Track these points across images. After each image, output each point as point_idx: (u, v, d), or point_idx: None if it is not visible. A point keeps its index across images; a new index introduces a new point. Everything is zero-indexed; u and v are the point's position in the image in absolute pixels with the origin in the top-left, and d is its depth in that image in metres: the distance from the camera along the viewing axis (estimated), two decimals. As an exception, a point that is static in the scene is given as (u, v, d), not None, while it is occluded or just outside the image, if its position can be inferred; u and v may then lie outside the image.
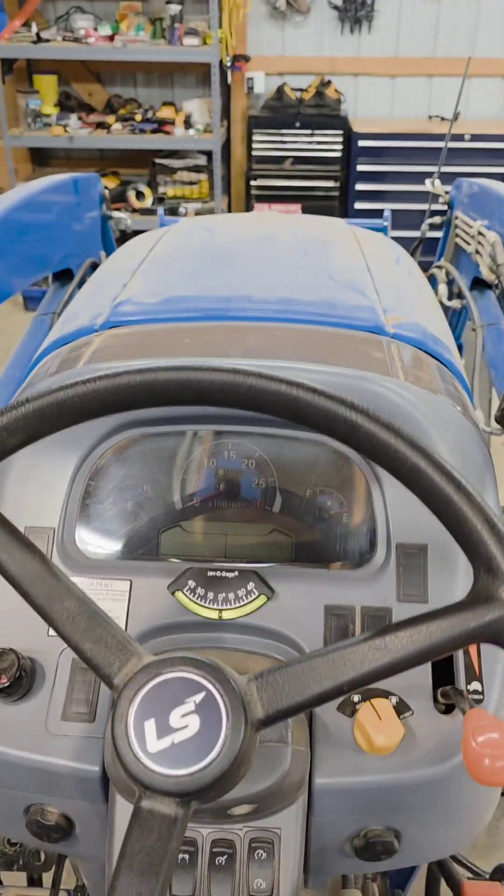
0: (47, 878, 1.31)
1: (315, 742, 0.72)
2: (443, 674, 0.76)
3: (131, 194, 4.66)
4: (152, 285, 1.18)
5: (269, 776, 0.64)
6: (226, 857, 0.67)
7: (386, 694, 0.73)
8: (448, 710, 0.74)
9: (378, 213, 2.01)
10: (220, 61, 4.32)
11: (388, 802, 0.73)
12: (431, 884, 1.35)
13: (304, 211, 2.16)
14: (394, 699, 0.72)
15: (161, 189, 4.81)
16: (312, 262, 1.26)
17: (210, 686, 0.50)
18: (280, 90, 4.63)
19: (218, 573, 0.79)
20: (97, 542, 0.84)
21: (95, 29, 4.38)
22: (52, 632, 0.77)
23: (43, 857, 1.17)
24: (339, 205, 4.67)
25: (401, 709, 0.72)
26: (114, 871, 0.47)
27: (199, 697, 0.50)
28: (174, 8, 4.25)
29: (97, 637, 0.53)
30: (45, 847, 0.83)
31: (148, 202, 4.70)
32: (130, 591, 0.79)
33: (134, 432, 0.86)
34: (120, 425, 0.85)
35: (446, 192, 2.19)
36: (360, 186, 4.58)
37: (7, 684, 0.72)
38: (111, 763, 0.67)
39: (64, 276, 2.03)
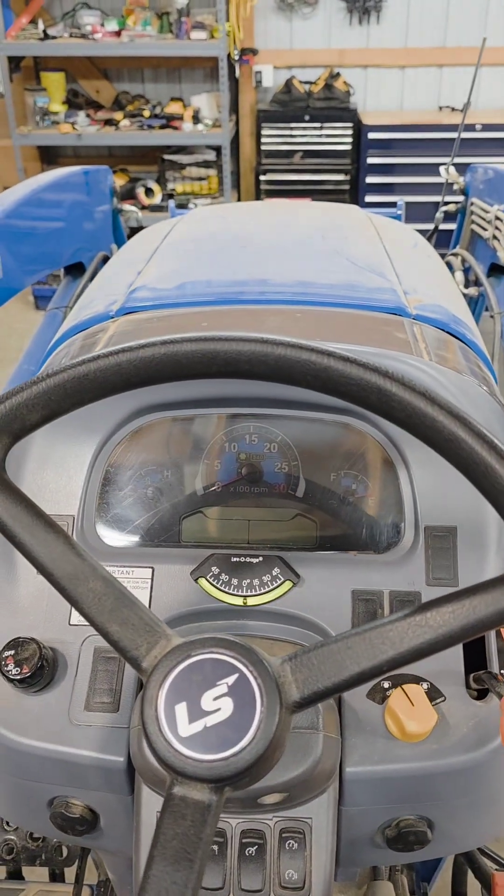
0: (69, 873, 1.29)
1: (345, 730, 0.70)
2: (475, 659, 0.74)
3: (140, 191, 4.64)
4: (167, 271, 1.16)
5: (301, 763, 0.62)
6: (256, 847, 0.66)
7: (417, 680, 0.71)
8: (481, 695, 0.72)
9: (389, 206, 1.99)
10: (228, 55, 4.30)
11: (421, 791, 0.71)
12: (458, 876, 1.33)
13: (314, 205, 2.14)
14: (425, 685, 0.70)
15: (170, 185, 4.79)
16: (330, 246, 1.24)
17: (243, 667, 0.48)
18: (288, 83, 4.60)
19: (242, 559, 0.77)
20: (118, 530, 0.82)
21: (102, 25, 4.36)
22: (73, 621, 0.76)
23: (66, 851, 1.16)
24: (350, 198, 4.64)
25: (433, 695, 0.70)
26: (147, 859, 0.45)
27: (231, 679, 0.48)
28: (181, 2, 4.23)
29: (124, 619, 0.51)
30: (70, 840, 0.81)
31: (157, 199, 4.68)
32: (153, 579, 0.77)
33: (153, 417, 0.84)
34: (138, 410, 0.83)
35: (461, 180, 2.17)
36: (370, 179, 4.55)
37: (29, 674, 0.70)
38: (137, 752, 0.65)
39: (76, 270, 2.02)
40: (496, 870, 1.03)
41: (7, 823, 1.19)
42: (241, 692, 0.48)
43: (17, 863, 1.14)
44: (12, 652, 0.71)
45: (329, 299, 1.01)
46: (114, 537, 0.82)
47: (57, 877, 1.30)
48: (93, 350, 0.92)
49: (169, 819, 0.45)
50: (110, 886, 1.18)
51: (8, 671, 0.70)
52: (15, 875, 1.29)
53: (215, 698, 0.48)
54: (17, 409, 0.55)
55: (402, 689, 0.69)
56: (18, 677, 0.70)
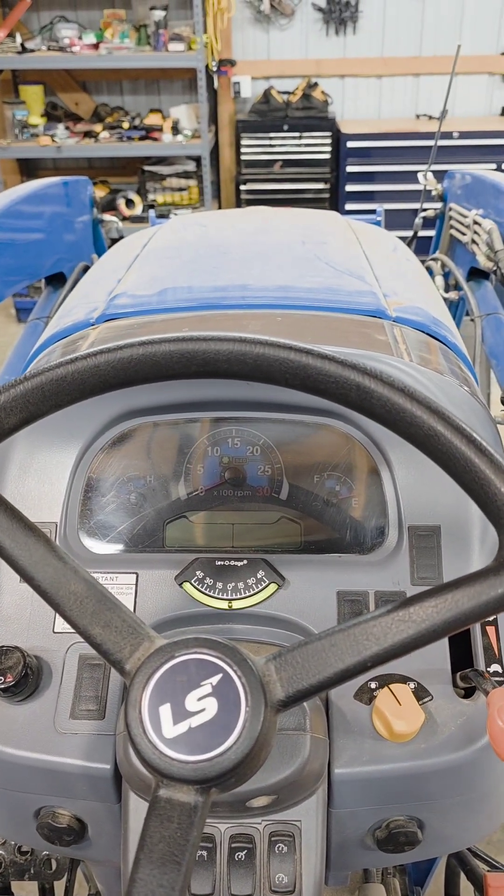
0: (58, 887, 1.28)
1: (332, 731, 0.69)
2: (461, 657, 0.74)
3: (121, 202, 4.65)
4: (148, 278, 1.16)
5: (289, 765, 0.62)
6: (245, 851, 0.65)
7: (404, 679, 0.70)
8: (468, 693, 0.72)
9: (369, 214, 2.00)
10: (206, 66, 4.32)
11: (411, 791, 0.70)
12: (451, 879, 1.32)
13: (295, 213, 2.15)
14: (412, 684, 0.70)
15: (151, 196, 4.80)
16: (309, 251, 1.24)
17: (227, 667, 0.48)
18: (267, 94, 4.63)
19: (226, 562, 0.77)
20: (101, 536, 0.81)
21: (80, 38, 4.38)
22: (58, 628, 0.75)
23: (55, 865, 1.15)
24: (330, 206, 4.66)
25: (420, 694, 0.70)
26: (133, 862, 0.44)
27: (215, 679, 0.48)
28: (158, 14, 4.25)
29: (106, 621, 0.51)
30: (57, 851, 0.80)
31: (138, 210, 4.69)
32: (137, 585, 0.77)
33: (134, 422, 0.84)
34: (120, 415, 0.83)
35: (439, 186, 2.18)
36: (350, 188, 4.58)
37: (13, 683, 0.69)
38: (123, 759, 0.65)
39: (56, 281, 2.02)
40: (488, 871, 1.03)
41: (-6, 838, 1.18)
42: (226, 692, 0.47)
43: (4, 877, 1.13)
44: (-4, 661, 0.70)
45: (309, 303, 1.02)
46: (97, 544, 0.81)
47: (46, 891, 1.28)
48: None
49: (155, 822, 0.45)
50: (100, 898, 1.17)
51: (-9, 681, 0.69)
52: (3, 890, 1.27)
53: (199, 699, 0.47)
54: None
55: (390, 689, 0.69)
56: (2, 686, 0.69)
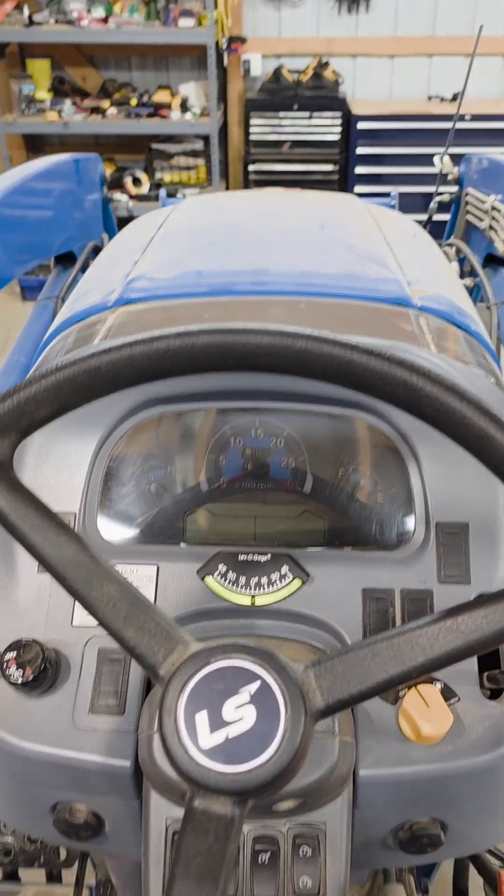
0: (66, 874, 1.27)
1: (358, 732, 0.68)
2: (488, 658, 0.72)
3: (128, 180, 4.60)
4: (165, 261, 1.14)
5: (318, 769, 0.60)
6: (269, 854, 0.64)
7: (431, 680, 0.69)
8: (495, 695, 0.71)
9: (379, 197, 1.96)
10: (216, 43, 4.26)
11: (435, 793, 0.69)
12: (459, 872, 1.32)
13: (304, 196, 2.12)
14: (439, 685, 0.69)
15: (158, 175, 4.75)
16: (330, 236, 1.22)
17: (265, 675, 0.46)
18: (277, 72, 4.56)
19: (249, 557, 0.75)
20: (120, 527, 0.80)
21: (88, 11, 4.30)
22: (76, 622, 0.73)
23: (64, 853, 1.14)
24: (339, 189, 4.61)
25: (446, 695, 0.68)
26: (168, 877, 0.43)
27: (253, 687, 0.46)
28: (169, -11, 4.18)
29: (140, 624, 0.49)
30: (74, 846, 0.79)
31: (144, 188, 4.64)
32: (157, 577, 0.75)
33: (155, 411, 0.82)
34: (141, 403, 0.81)
35: (455, 170, 2.15)
36: (359, 170, 4.53)
37: (32, 677, 0.68)
38: (147, 759, 0.63)
39: (66, 260, 1.98)
40: (502, 867, 1.02)
41: (3, 825, 1.17)
42: (264, 700, 0.46)
43: (14, 864, 1.12)
44: (14, 654, 0.69)
45: (332, 290, 0.99)
46: (116, 534, 0.79)
47: (54, 878, 1.28)
48: (90, 342, 0.89)
49: (191, 835, 0.43)
50: (110, 887, 1.16)
51: (10, 674, 0.68)
52: (12, 877, 1.27)
53: (237, 707, 0.46)
54: (25, 405, 0.52)
55: (417, 690, 0.67)
56: (21, 680, 0.68)
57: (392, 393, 0.49)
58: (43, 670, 0.68)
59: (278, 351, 0.50)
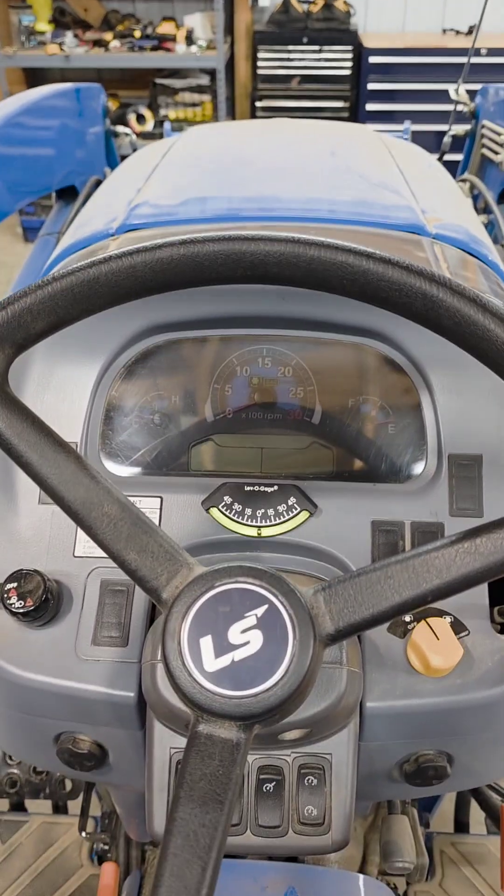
0: (72, 805, 1.29)
1: (365, 664, 0.67)
2: (499, 592, 0.71)
3: (132, 117, 4.47)
4: (169, 188, 1.09)
5: (325, 699, 0.59)
6: (274, 783, 0.63)
7: (440, 613, 0.67)
8: (505, 629, 0.70)
9: (394, 133, 1.89)
10: (223, -30, 4.09)
11: (442, 726, 0.68)
12: (461, 805, 1.33)
13: (313, 132, 2.04)
14: (449, 618, 0.67)
15: (162, 111, 4.61)
16: (341, 163, 1.17)
17: (273, 598, 0.45)
18: (286, 3, 4.38)
19: (256, 488, 0.73)
20: (123, 458, 0.78)
21: None
22: (78, 552, 0.72)
23: (69, 785, 1.15)
24: (349, 126, 4.48)
25: (456, 628, 0.67)
26: (172, 800, 0.42)
27: (260, 611, 0.44)
28: None
29: (142, 546, 0.47)
30: (77, 776, 0.79)
31: (149, 126, 4.51)
32: (161, 509, 0.73)
33: (159, 338, 0.79)
34: (144, 330, 0.78)
35: (471, 102, 2.07)
36: (370, 106, 4.38)
37: (33, 607, 0.66)
38: (150, 688, 0.62)
39: (68, 195, 1.93)
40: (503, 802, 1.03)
41: (10, 757, 1.18)
42: (272, 624, 0.44)
43: (20, 796, 1.13)
44: (15, 584, 0.67)
45: (344, 216, 0.95)
46: (119, 466, 0.77)
47: (60, 809, 1.30)
48: None
49: (195, 759, 0.42)
50: (115, 818, 1.18)
51: (11, 604, 0.66)
52: (18, 808, 1.29)
53: (243, 631, 0.44)
54: (20, 316, 0.49)
55: (427, 623, 0.66)
56: (22, 610, 0.66)
57: (410, 304, 0.46)
58: (44, 601, 0.67)
59: (289, 259, 0.47)
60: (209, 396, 0.79)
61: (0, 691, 0.71)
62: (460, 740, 0.70)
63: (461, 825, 1.32)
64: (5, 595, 0.67)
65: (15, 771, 1.11)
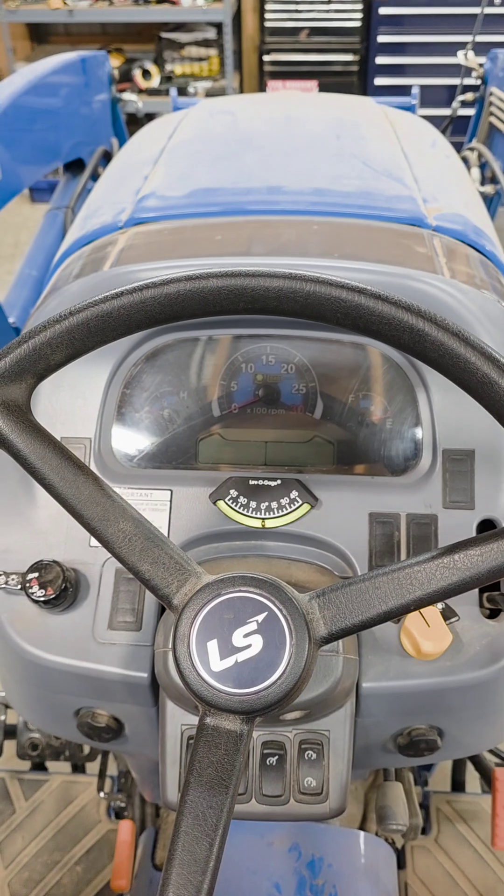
0: (90, 766, 1.37)
1: (362, 647, 0.72)
2: None
3: (137, 73, 4.40)
4: (176, 176, 1.11)
5: (322, 684, 0.65)
6: (277, 757, 0.69)
7: (432, 600, 0.72)
8: (493, 614, 0.74)
9: (400, 90, 1.88)
10: None
11: (434, 704, 0.74)
12: (458, 766, 1.40)
13: (321, 88, 2.02)
14: (440, 605, 0.72)
15: (168, 67, 4.53)
16: (345, 148, 1.18)
17: (272, 605, 0.50)
18: (294, -48, 4.27)
19: (260, 482, 0.77)
20: (134, 452, 0.82)
21: None
22: (93, 542, 0.77)
23: (88, 749, 1.23)
24: (358, 80, 4.39)
25: (447, 614, 0.72)
26: (183, 785, 0.47)
27: (261, 617, 0.50)
28: None
29: (154, 558, 0.52)
30: (96, 745, 0.86)
31: (155, 81, 4.44)
32: (171, 501, 0.78)
33: (168, 337, 0.82)
34: (154, 330, 0.82)
35: (480, 66, 2.04)
36: (380, 60, 4.29)
37: (53, 596, 0.72)
38: (163, 672, 0.68)
39: (75, 167, 1.94)
40: (497, 765, 1.09)
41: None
42: (271, 629, 0.49)
43: (41, 757, 1.21)
44: (36, 574, 0.73)
45: (346, 209, 0.98)
46: (131, 460, 0.82)
47: (79, 769, 1.38)
48: (100, 266, 0.89)
49: (203, 748, 0.48)
50: (130, 778, 1.26)
51: (33, 593, 0.72)
52: (39, 768, 1.37)
53: (245, 635, 0.49)
54: (40, 349, 0.54)
55: (419, 611, 0.71)
56: (43, 598, 0.72)
57: (398, 337, 0.50)
58: (63, 589, 0.72)
59: (287, 294, 0.51)
60: (216, 392, 0.83)
61: (25, 671, 0.77)
62: (450, 716, 0.75)
63: (458, 784, 1.39)
64: (27, 584, 0.72)
65: (36, 735, 1.18)
